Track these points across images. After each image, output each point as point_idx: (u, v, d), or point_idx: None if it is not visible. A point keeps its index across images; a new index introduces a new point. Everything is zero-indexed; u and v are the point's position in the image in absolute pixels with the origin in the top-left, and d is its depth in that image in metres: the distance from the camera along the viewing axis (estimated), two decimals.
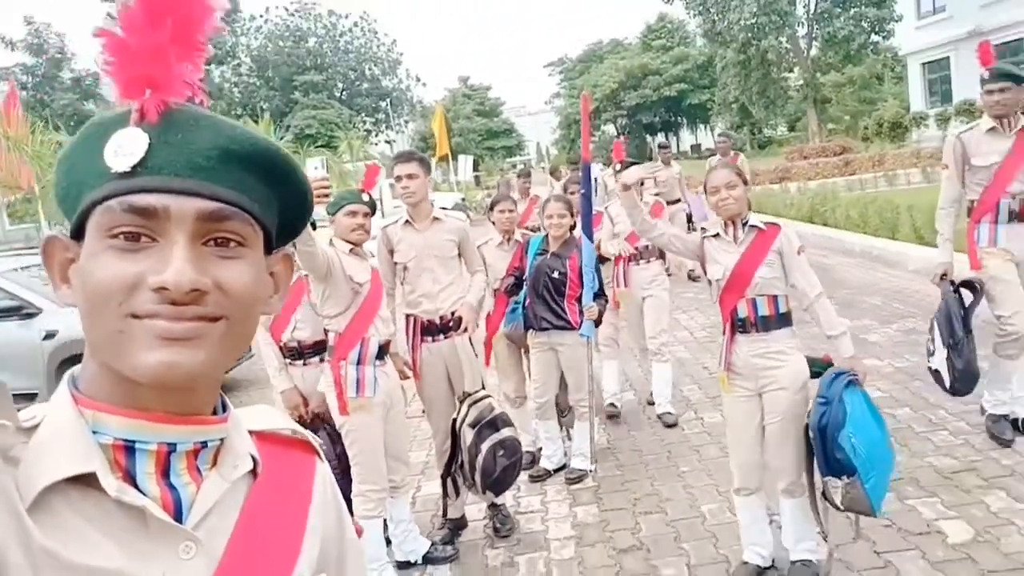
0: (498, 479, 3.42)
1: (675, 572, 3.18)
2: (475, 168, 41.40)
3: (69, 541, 0.60)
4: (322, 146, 29.04)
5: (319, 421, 3.37)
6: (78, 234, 0.66)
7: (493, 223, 4.50)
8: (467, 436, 3.45)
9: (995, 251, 3.85)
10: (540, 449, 4.46)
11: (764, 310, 2.84)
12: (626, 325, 5.33)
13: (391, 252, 3.63)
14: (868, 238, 9.55)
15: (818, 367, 2.85)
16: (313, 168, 3.36)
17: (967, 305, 3.86)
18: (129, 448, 0.64)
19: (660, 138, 55.89)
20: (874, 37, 31.86)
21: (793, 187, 16.22)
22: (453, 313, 3.61)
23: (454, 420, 3.53)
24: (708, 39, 35.58)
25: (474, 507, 3.89)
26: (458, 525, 3.76)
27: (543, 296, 4.08)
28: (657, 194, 8.60)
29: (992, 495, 3.42)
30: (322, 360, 3.39)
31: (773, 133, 46.26)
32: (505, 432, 3.48)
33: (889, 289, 7.70)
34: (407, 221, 3.63)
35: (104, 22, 0.67)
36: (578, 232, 4.16)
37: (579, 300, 4.02)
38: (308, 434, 0.81)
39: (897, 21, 29.79)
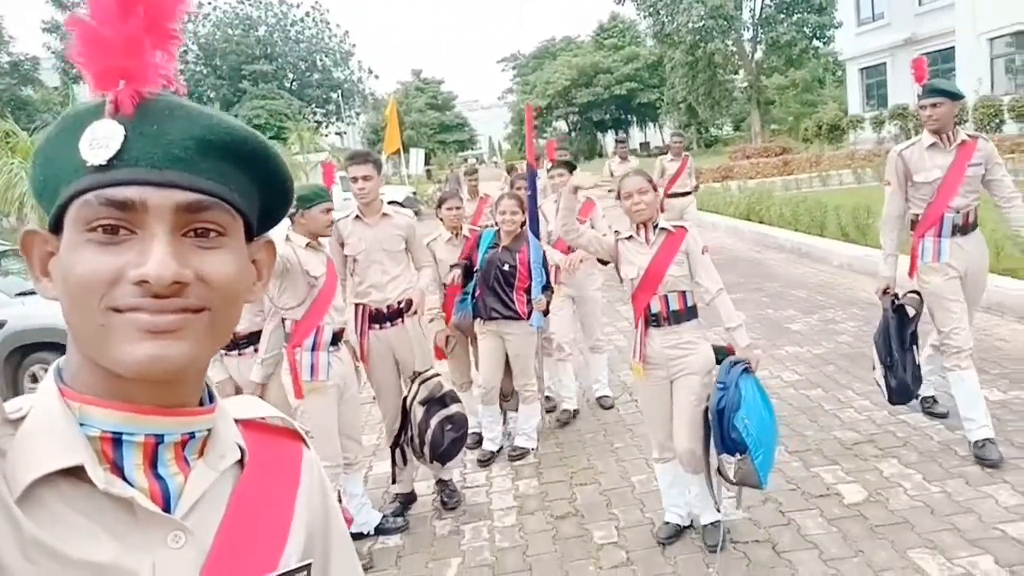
0: (446, 451, 3.71)
1: (605, 534, 3.51)
2: (427, 162, 41.45)
3: (59, 533, 0.60)
4: (272, 137, 28.74)
5: None
6: (56, 227, 0.65)
7: (441, 219, 4.68)
8: (417, 413, 3.71)
9: (938, 267, 3.83)
10: (480, 435, 4.68)
11: (675, 305, 3.10)
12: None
13: (342, 245, 3.85)
14: (798, 235, 10.11)
15: (722, 354, 3.12)
16: None
17: (910, 318, 3.95)
18: (116, 440, 0.65)
19: (611, 135, 56.83)
20: (815, 42, 33.03)
21: (734, 185, 16.86)
22: (400, 302, 3.84)
23: (405, 398, 3.78)
24: (657, 40, 36.32)
25: (423, 483, 4.16)
26: (408, 499, 4.02)
27: (493, 287, 4.28)
28: (610, 190, 8.97)
29: (885, 462, 3.85)
30: (256, 350, 3.57)
31: (719, 132, 47.51)
32: (453, 408, 3.77)
33: (814, 283, 8.22)
34: (357, 216, 3.85)
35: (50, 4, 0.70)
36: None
37: (527, 292, 4.28)
38: (294, 422, 0.82)
39: (837, 27, 30.96)
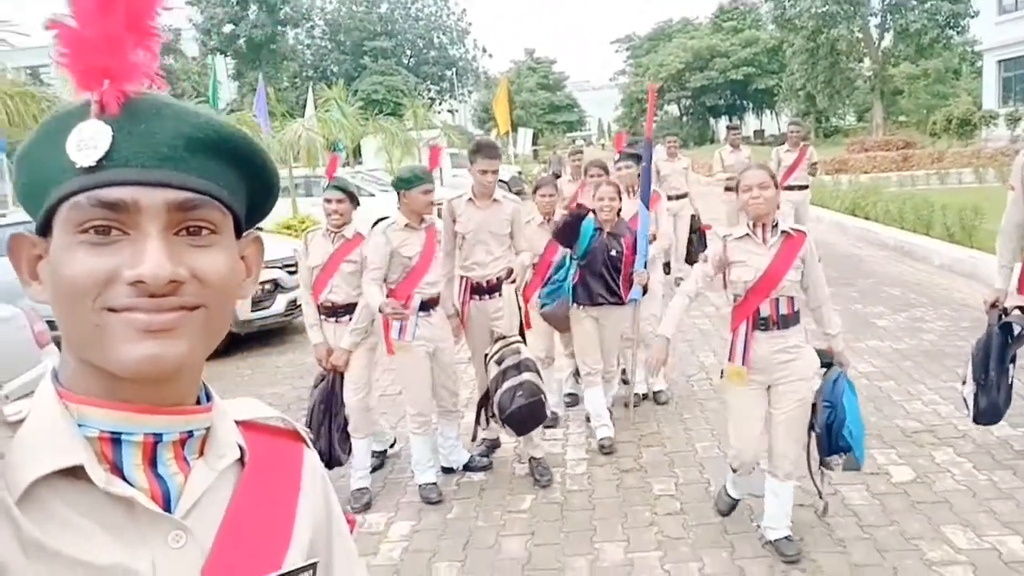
0: (513, 415, 3.84)
1: (664, 487, 3.94)
2: (534, 142, 41.89)
3: (60, 533, 0.61)
4: (389, 113, 29.93)
5: (335, 371, 3.96)
6: (44, 230, 0.65)
7: (536, 204, 4.86)
8: (491, 371, 4.00)
9: None
10: (556, 414, 4.82)
11: (784, 309, 3.03)
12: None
13: (454, 221, 4.17)
14: (901, 232, 9.97)
15: (825, 358, 3.15)
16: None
17: (1016, 336, 3.69)
18: (115, 440, 0.65)
19: (724, 121, 55.42)
20: (948, 31, 31.09)
21: (845, 179, 16.44)
22: (498, 278, 4.15)
23: (485, 355, 4.12)
24: (778, 25, 35.15)
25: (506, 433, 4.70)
26: (493, 444, 4.55)
27: (601, 273, 4.32)
28: (730, 177, 8.56)
29: (940, 450, 4.07)
30: (351, 319, 3.94)
31: (840, 123, 45.46)
32: (525, 375, 3.90)
33: (910, 281, 8.18)
34: (470, 199, 4.16)
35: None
36: (630, 209, 4.70)
37: (629, 276, 4.41)
38: (295, 423, 0.82)
39: (973, 16, 29.05)
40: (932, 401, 4.77)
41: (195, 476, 0.68)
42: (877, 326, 6.53)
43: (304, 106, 19.32)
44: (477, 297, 4.21)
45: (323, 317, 4.01)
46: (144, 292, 0.61)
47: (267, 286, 7.45)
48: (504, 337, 4.14)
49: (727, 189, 8.59)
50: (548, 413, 4.18)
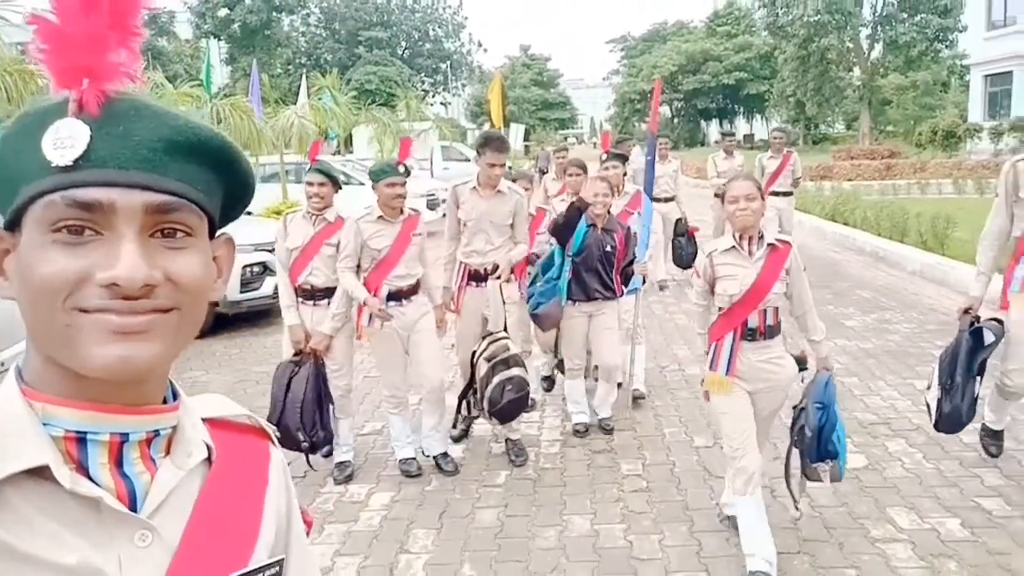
0: (502, 409, 3.98)
1: (632, 468, 4.15)
2: (526, 138, 42.01)
3: (25, 533, 0.60)
4: (381, 103, 29.98)
5: (314, 356, 3.95)
6: (13, 225, 0.64)
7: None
8: (482, 368, 4.05)
9: None
10: (535, 400, 4.91)
11: (770, 320, 3.05)
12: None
13: (457, 207, 4.28)
14: (877, 239, 10.24)
15: (801, 364, 3.19)
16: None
17: (985, 344, 3.65)
18: (81, 439, 0.64)
19: (715, 124, 55.82)
20: (936, 45, 31.55)
21: (828, 186, 16.74)
22: (496, 266, 4.21)
23: (473, 353, 4.19)
24: (770, 32, 35.50)
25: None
26: (467, 429, 4.65)
27: (596, 269, 4.40)
28: (719, 187, 8.78)
29: (893, 441, 4.31)
30: (329, 303, 3.98)
31: (829, 130, 45.90)
32: (515, 371, 4.01)
33: (882, 286, 8.44)
34: (474, 187, 4.22)
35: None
36: (616, 209, 4.78)
37: (622, 272, 4.49)
38: (261, 420, 0.82)
39: (961, 31, 29.49)
40: (890, 397, 5.01)
41: (161, 475, 0.68)
42: (846, 326, 6.78)
43: (297, 93, 19.39)
44: (474, 284, 4.30)
45: (300, 299, 4.02)
46: (118, 294, 0.61)
47: (255, 268, 7.59)
48: (491, 334, 4.20)
49: (717, 195, 8.68)
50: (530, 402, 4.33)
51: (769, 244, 3.02)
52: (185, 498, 0.69)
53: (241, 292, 7.34)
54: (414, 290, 4.01)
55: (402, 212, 3.97)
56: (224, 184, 0.71)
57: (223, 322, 7.40)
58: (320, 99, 17.48)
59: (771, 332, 3.04)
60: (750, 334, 3.03)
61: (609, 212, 4.50)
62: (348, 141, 22.51)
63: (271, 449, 0.81)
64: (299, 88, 18.62)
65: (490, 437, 4.66)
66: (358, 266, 3.96)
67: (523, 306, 4.64)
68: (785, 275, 3.00)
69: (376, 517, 3.72)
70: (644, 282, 4.81)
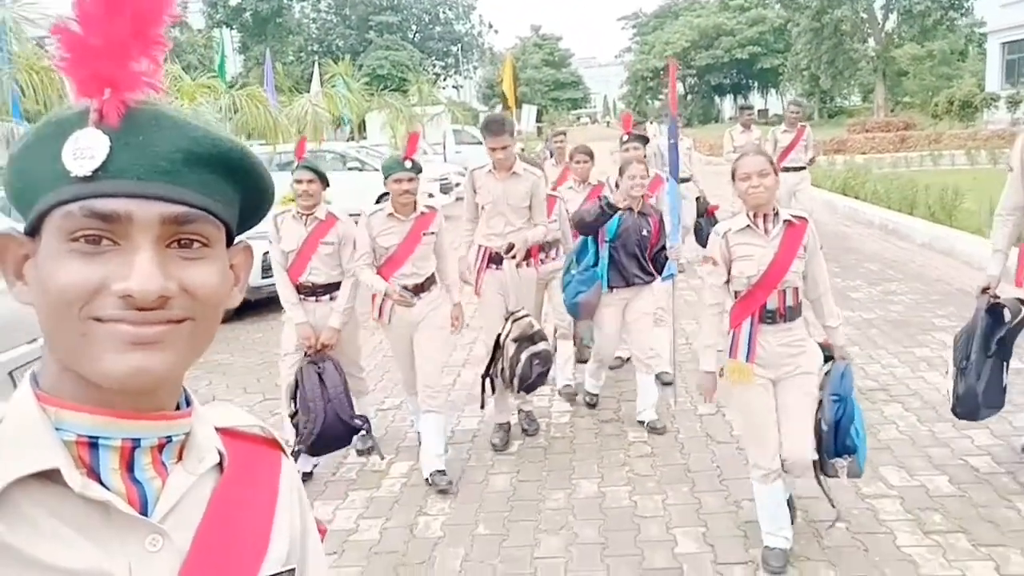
0: (532, 383, 4.13)
1: (638, 435, 4.36)
2: (539, 119, 41.97)
3: (34, 536, 0.61)
4: (393, 88, 30.10)
5: (325, 352, 3.90)
6: (33, 231, 0.65)
7: None
8: (509, 349, 4.10)
9: None
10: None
11: (790, 300, 2.89)
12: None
13: (475, 191, 4.31)
14: (887, 212, 10.32)
15: (827, 352, 3.02)
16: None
17: (1005, 323, 3.47)
18: (93, 444, 0.65)
19: (729, 100, 55.39)
20: (951, 13, 31.10)
21: (841, 160, 16.73)
22: (511, 245, 4.17)
23: (498, 335, 4.17)
24: (783, 5, 35.15)
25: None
26: (508, 428, 4.46)
27: (634, 254, 4.33)
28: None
29: (890, 406, 4.50)
30: (332, 299, 3.97)
31: (845, 103, 45.48)
32: (541, 345, 4.13)
33: (890, 258, 8.55)
34: (490, 171, 4.22)
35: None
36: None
37: (654, 257, 4.43)
38: (274, 431, 0.82)
39: None
40: (890, 364, 5.18)
41: (173, 480, 0.68)
42: (852, 298, 6.92)
43: (309, 80, 19.61)
44: (494, 266, 4.29)
45: (303, 296, 3.95)
46: (132, 305, 0.61)
47: None
48: (512, 313, 4.22)
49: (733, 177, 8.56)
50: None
51: (785, 221, 2.88)
52: (196, 504, 0.70)
53: (263, 278, 7.61)
54: (423, 287, 3.98)
55: (415, 209, 3.92)
56: (242, 193, 0.71)
57: (247, 306, 7.68)
58: (333, 87, 17.68)
59: (791, 314, 2.90)
60: (769, 316, 2.89)
61: (643, 197, 4.39)
62: (361, 127, 22.73)
63: (283, 460, 0.81)
64: (311, 76, 18.87)
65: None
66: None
67: (538, 286, 4.67)
68: (803, 252, 2.87)
69: (397, 484, 3.96)
70: (681, 270, 4.76)
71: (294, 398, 3.86)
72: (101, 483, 0.64)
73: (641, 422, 4.47)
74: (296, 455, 3.87)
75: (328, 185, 4.00)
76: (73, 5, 0.63)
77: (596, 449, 4.23)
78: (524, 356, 4.07)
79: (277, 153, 13.92)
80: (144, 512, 0.66)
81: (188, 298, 0.65)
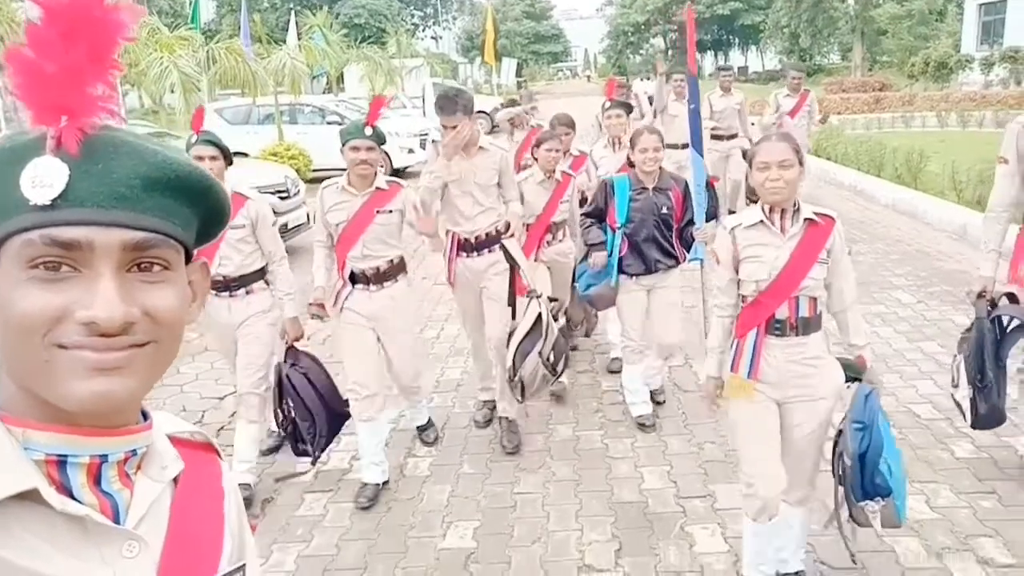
0: (566, 358, 3.76)
1: (611, 385, 4.66)
2: (518, 73, 41.64)
3: (17, 552, 0.62)
4: (370, 38, 29.65)
5: (294, 344, 3.46)
6: None
7: (535, 159, 4.39)
8: (554, 327, 3.64)
9: None
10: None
11: (805, 311, 2.47)
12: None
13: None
14: (856, 173, 10.64)
15: (853, 371, 2.57)
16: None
17: (1009, 331, 3.25)
18: (61, 462, 0.66)
19: (710, 56, 55.15)
20: None
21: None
22: (487, 234, 3.80)
23: (539, 315, 3.60)
24: None
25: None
26: (493, 407, 4.18)
27: (654, 236, 3.88)
28: (714, 127, 8.06)
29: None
30: (249, 293, 3.45)
31: (824, 61, 45.60)
32: (562, 319, 3.86)
33: (855, 219, 8.88)
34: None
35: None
36: (614, 164, 4.65)
37: (680, 234, 3.97)
38: (209, 436, 0.85)
39: None
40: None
41: (141, 489, 0.71)
42: None
43: (285, 30, 19.33)
44: (465, 254, 3.86)
45: (215, 292, 3.41)
46: (95, 332, 0.62)
47: None
48: (532, 290, 3.72)
49: (714, 138, 8.07)
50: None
51: (806, 219, 2.46)
52: (160, 509, 0.73)
53: None
54: (382, 276, 3.50)
55: (372, 183, 3.42)
56: (201, 215, 0.72)
57: None
58: (311, 38, 17.48)
59: (805, 326, 2.47)
60: (778, 328, 2.47)
61: (660, 168, 3.93)
62: (340, 80, 22.51)
63: (220, 463, 0.85)
64: (288, 24, 18.60)
65: None
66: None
67: (539, 267, 4.36)
68: (825, 256, 2.45)
69: (386, 429, 4.23)
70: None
71: (280, 406, 3.43)
72: (73, 498, 0.66)
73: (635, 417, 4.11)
74: (276, 449, 3.82)
75: (231, 162, 3.43)
76: (27, 32, 0.62)
77: (571, 398, 4.52)
78: (543, 345, 3.62)
79: (257, 106, 13.86)
80: (116, 520, 0.69)
81: (150, 322, 0.65)
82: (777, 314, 2.47)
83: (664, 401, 4.37)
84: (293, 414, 3.40)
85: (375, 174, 3.44)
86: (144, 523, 0.70)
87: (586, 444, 3.95)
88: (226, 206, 0.76)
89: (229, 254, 3.40)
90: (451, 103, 3.54)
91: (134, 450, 0.71)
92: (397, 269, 3.56)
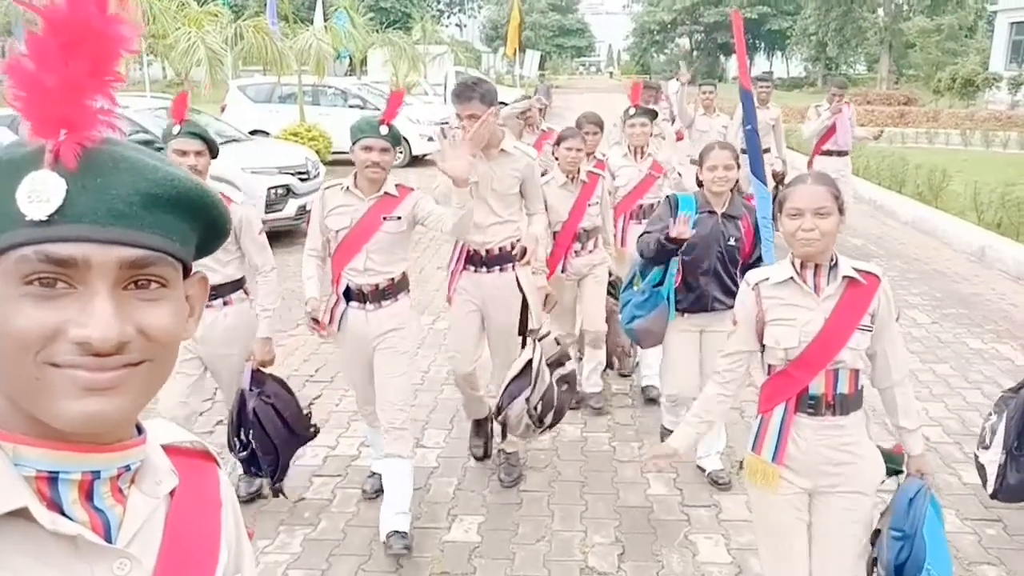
0: (558, 411, 3.44)
1: (620, 388, 4.69)
2: (541, 66, 41.51)
3: (5, 573, 0.61)
4: (395, 22, 29.62)
5: (262, 368, 3.17)
6: None
7: (556, 159, 4.10)
8: (545, 376, 3.34)
9: None
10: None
11: (845, 387, 2.09)
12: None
13: None
14: (876, 188, 10.58)
15: (894, 462, 2.22)
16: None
17: None
18: (52, 479, 0.65)
19: (734, 60, 54.81)
20: None
21: None
22: (501, 249, 3.41)
23: (529, 360, 3.33)
24: None
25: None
26: (516, 458, 3.68)
27: (715, 270, 3.32)
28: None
29: None
30: (227, 304, 3.12)
31: (850, 71, 45.18)
32: (569, 367, 3.50)
33: (875, 234, 8.85)
34: None
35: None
36: (634, 177, 4.44)
37: (745, 271, 3.10)
38: (206, 443, 0.83)
39: None
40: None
41: (134, 505, 0.69)
42: None
43: (312, 9, 19.34)
44: (472, 268, 3.44)
45: None
46: (90, 351, 0.61)
47: (279, 190, 8.13)
48: (534, 331, 3.47)
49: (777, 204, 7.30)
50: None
51: (845, 276, 2.09)
52: (154, 525, 0.71)
53: (267, 213, 7.80)
54: (382, 293, 3.10)
55: (381, 188, 3.04)
56: (200, 230, 0.71)
57: None
58: (337, 20, 17.51)
59: (845, 405, 2.09)
60: (812, 405, 2.09)
61: (733, 191, 3.35)
62: (363, 63, 22.51)
63: (218, 471, 0.83)
64: (315, 2, 18.59)
65: None
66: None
67: (569, 284, 4.11)
68: (869, 322, 2.07)
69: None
70: None
71: (239, 434, 3.14)
72: (63, 514, 0.64)
73: (702, 469, 3.64)
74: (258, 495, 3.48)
75: (216, 155, 3.07)
76: (27, 43, 0.61)
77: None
78: (554, 380, 3.38)
79: (281, 85, 13.89)
80: (108, 538, 0.67)
81: (146, 340, 0.64)
82: (811, 388, 2.08)
83: (729, 485, 3.55)
84: (254, 446, 3.11)
85: (385, 179, 3.04)
86: (137, 540, 0.69)
87: (593, 446, 3.97)
88: (226, 221, 0.75)
89: (206, 262, 2.84)
90: (468, 90, 3.18)
91: (128, 465, 0.69)
92: (398, 287, 3.15)
